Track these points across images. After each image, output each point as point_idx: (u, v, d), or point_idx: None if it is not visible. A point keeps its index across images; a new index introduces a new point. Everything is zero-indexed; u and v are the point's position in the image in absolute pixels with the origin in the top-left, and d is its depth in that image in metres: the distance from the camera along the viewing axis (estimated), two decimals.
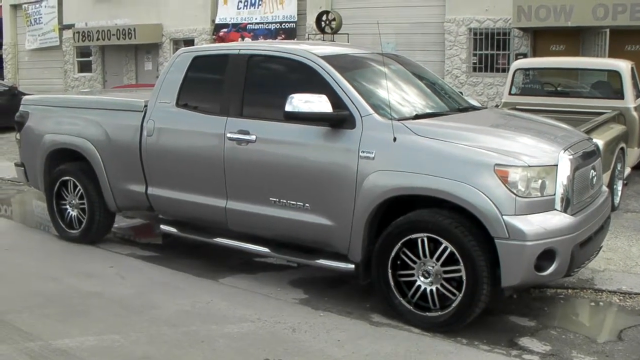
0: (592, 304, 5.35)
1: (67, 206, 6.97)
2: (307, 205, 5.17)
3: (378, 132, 4.87)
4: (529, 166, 4.47)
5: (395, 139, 4.78)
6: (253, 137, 5.42)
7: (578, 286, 5.58)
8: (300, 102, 4.95)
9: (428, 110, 5.48)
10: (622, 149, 8.20)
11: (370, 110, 4.98)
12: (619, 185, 8.26)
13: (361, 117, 4.97)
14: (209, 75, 6.10)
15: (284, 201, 5.29)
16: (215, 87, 5.92)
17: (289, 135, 5.27)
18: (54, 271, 6.04)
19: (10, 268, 6.19)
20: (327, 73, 5.21)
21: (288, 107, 5.00)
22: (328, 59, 5.37)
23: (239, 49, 5.89)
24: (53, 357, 4.26)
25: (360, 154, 4.87)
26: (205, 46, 7.71)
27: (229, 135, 5.54)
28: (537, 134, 5.16)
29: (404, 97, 5.56)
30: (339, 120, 5.00)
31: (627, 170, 8.76)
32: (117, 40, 21.69)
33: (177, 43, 21.06)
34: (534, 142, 4.85)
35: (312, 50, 5.52)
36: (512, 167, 4.43)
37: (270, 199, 5.36)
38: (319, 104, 4.93)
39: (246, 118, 5.53)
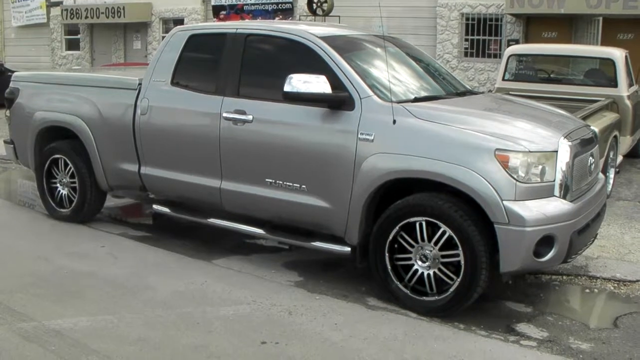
0: (587, 291, 5.35)
1: (58, 185, 6.88)
2: (303, 186, 5.11)
3: (377, 114, 4.82)
4: (530, 151, 4.43)
5: (394, 122, 4.73)
6: (250, 117, 5.35)
7: (572, 273, 5.58)
8: (299, 82, 4.88)
9: (427, 94, 5.44)
10: (615, 137, 8.21)
11: (370, 92, 4.93)
12: (612, 173, 8.27)
13: (360, 98, 4.91)
14: (205, 55, 5.99)
15: (280, 182, 5.23)
16: (211, 66, 5.82)
17: (286, 116, 5.21)
18: (45, 251, 5.95)
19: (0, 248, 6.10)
20: (326, 54, 5.14)
21: (287, 87, 4.93)
22: (327, 39, 5.30)
23: (236, 28, 5.79)
24: (47, 337, 4.20)
25: (359, 136, 4.82)
26: (202, 25, 7.63)
27: (225, 114, 5.47)
28: (537, 119, 5.12)
29: (403, 79, 5.51)
30: (338, 101, 4.94)
31: (619, 159, 8.78)
32: (106, 18, 21.38)
33: (167, 22, 20.81)
34: (534, 128, 4.81)
35: (311, 30, 5.44)
36: (513, 152, 4.40)
37: (266, 179, 5.30)
38: (318, 84, 4.86)
39: (243, 98, 5.45)
